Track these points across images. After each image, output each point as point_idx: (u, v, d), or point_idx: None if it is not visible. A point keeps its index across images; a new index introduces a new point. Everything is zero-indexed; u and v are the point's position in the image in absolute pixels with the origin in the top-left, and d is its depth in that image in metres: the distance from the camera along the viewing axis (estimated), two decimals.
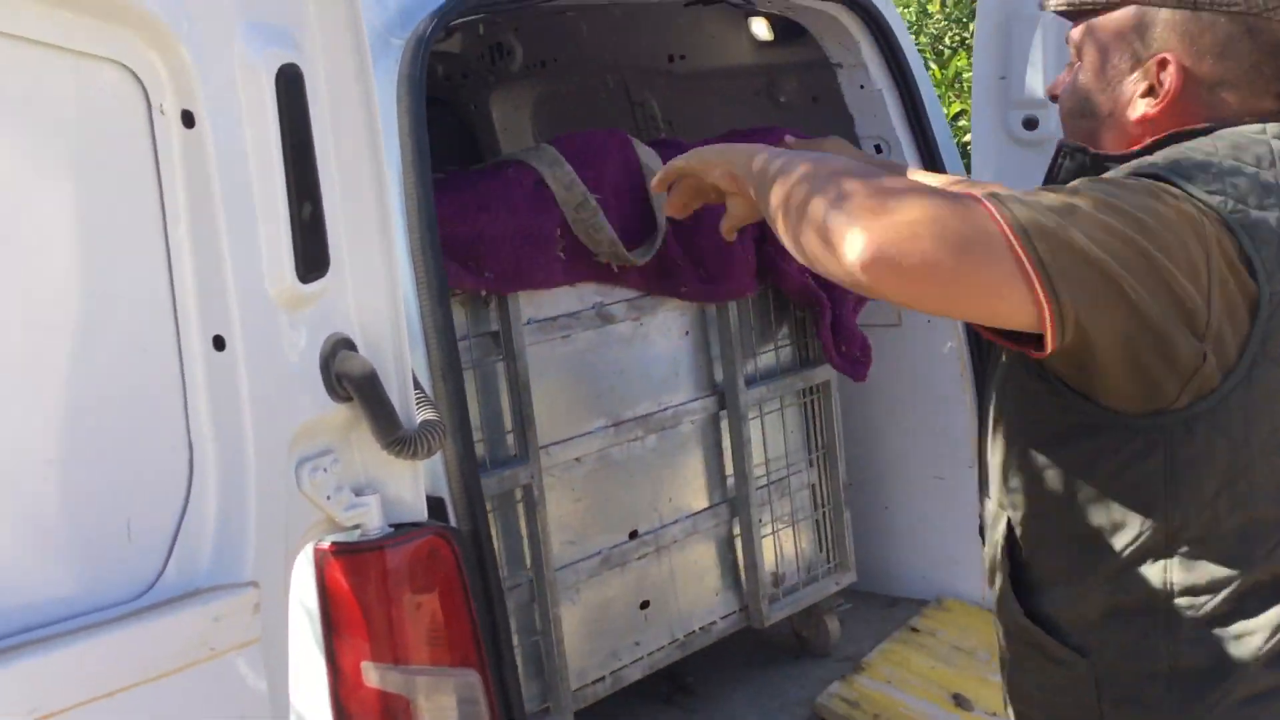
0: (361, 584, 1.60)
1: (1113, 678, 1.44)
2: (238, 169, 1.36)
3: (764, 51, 3.17)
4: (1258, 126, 1.40)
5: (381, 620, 1.62)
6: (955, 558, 3.02)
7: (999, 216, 1.22)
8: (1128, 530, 1.39)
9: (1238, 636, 1.37)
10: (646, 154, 2.49)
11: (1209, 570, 1.37)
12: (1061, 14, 1.53)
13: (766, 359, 2.83)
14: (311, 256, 1.43)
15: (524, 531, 2.34)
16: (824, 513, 2.95)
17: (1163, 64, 1.42)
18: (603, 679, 2.47)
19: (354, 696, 1.63)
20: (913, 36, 4.77)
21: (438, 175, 1.97)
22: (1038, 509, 1.49)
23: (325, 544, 1.61)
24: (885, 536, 3.16)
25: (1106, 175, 1.38)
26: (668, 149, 2.57)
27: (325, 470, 1.52)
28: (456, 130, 3.81)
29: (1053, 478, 1.44)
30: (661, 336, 2.61)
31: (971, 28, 4.50)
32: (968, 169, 3.06)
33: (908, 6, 4.77)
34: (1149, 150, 1.41)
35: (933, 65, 4.64)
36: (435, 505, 1.75)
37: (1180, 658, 1.39)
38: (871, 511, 3.13)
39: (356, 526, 1.57)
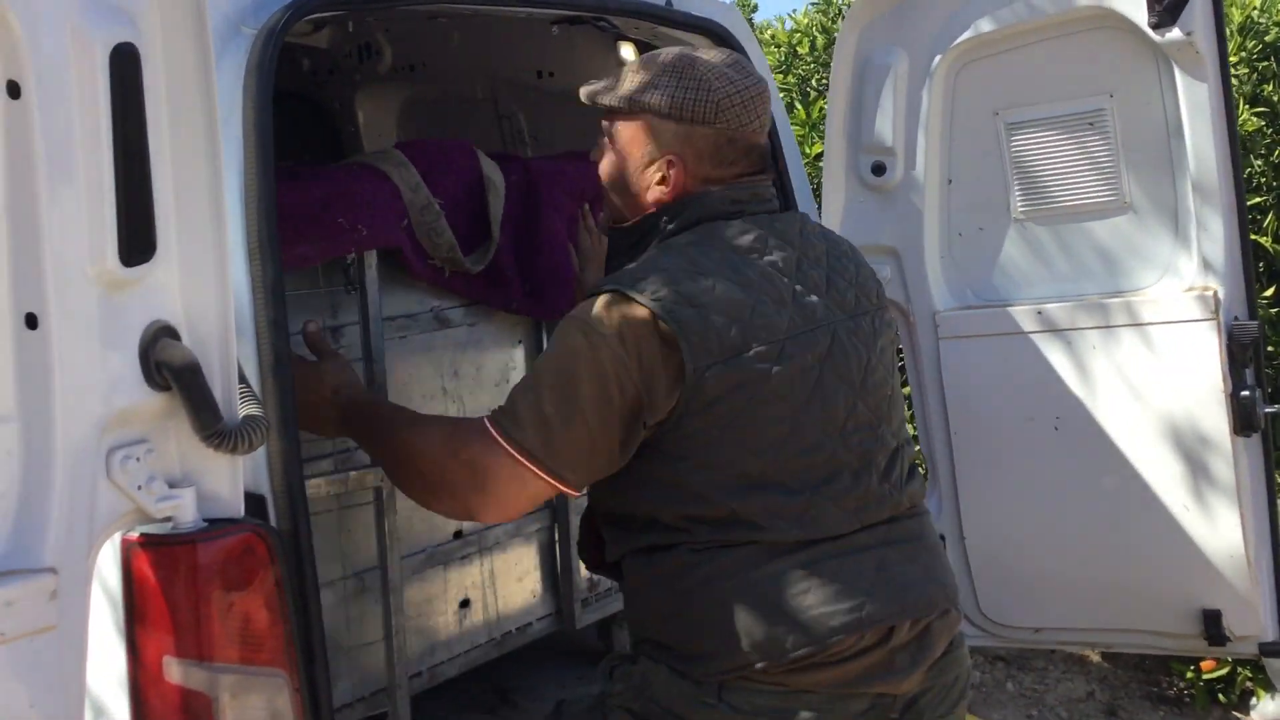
0: (169, 578, 1.56)
1: None
2: (63, 145, 1.33)
3: None
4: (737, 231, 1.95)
5: (188, 616, 1.59)
6: None
7: (508, 447, 1.84)
8: None
9: None
10: (490, 166, 2.51)
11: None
12: (593, 104, 2.04)
13: None
14: (136, 240, 1.41)
15: (371, 529, 2.32)
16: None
17: (671, 162, 1.95)
18: (420, 674, 2.48)
19: (154, 690, 1.59)
20: (780, 77, 4.89)
21: (285, 166, 1.95)
22: None
23: (134, 535, 1.57)
24: None
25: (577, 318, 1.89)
26: (514, 165, 2.60)
27: (138, 460, 1.49)
28: (319, 126, 3.76)
29: None
30: (495, 343, 2.63)
31: None
32: (819, 209, 3.15)
33: (779, 47, 4.88)
34: (646, 225, 1.98)
35: (799, 106, 4.76)
36: (255, 503, 1.72)
37: None
38: None
39: (168, 519, 1.54)
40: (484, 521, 2.21)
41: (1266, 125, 4.23)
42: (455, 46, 3.44)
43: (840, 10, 5.02)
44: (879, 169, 2.99)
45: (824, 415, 1.88)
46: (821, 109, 4.66)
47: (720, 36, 2.84)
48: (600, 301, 1.85)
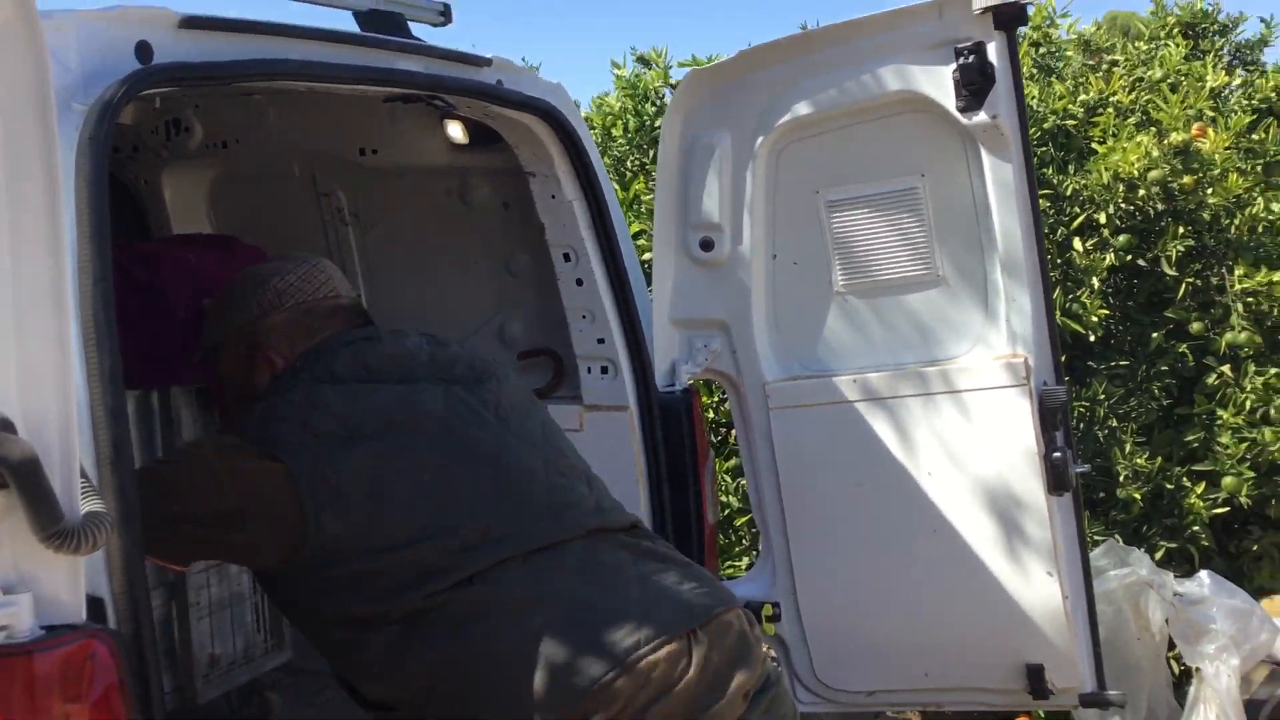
0: (4, 692, 1.43)
1: None
2: None
3: (458, 154, 3.20)
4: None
5: None
6: None
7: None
8: None
9: None
10: None
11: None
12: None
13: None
14: None
15: None
16: (262, 594, 3.07)
17: (269, 358, 2.21)
18: None
19: None
20: None
21: None
22: None
23: None
24: None
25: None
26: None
27: None
28: (123, 206, 3.58)
29: None
30: None
31: (652, 153, 4.73)
32: (648, 282, 3.19)
33: (593, 129, 4.95)
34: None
35: (616, 186, 4.83)
36: (93, 605, 1.59)
37: None
38: None
39: (3, 628, 1.42)
40: None
41: (1049, 206, 4.53)
42: (271, 123, 3.36)
43: (647, 93, 5.14)
44: (707, 245, 3.05)
45: (470, 453, 2.07)
46: (636, 190, 4.75)
47: (550, 114, 2.88)
48: (207, 439, 2.16)
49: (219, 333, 2.29)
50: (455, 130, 3.10)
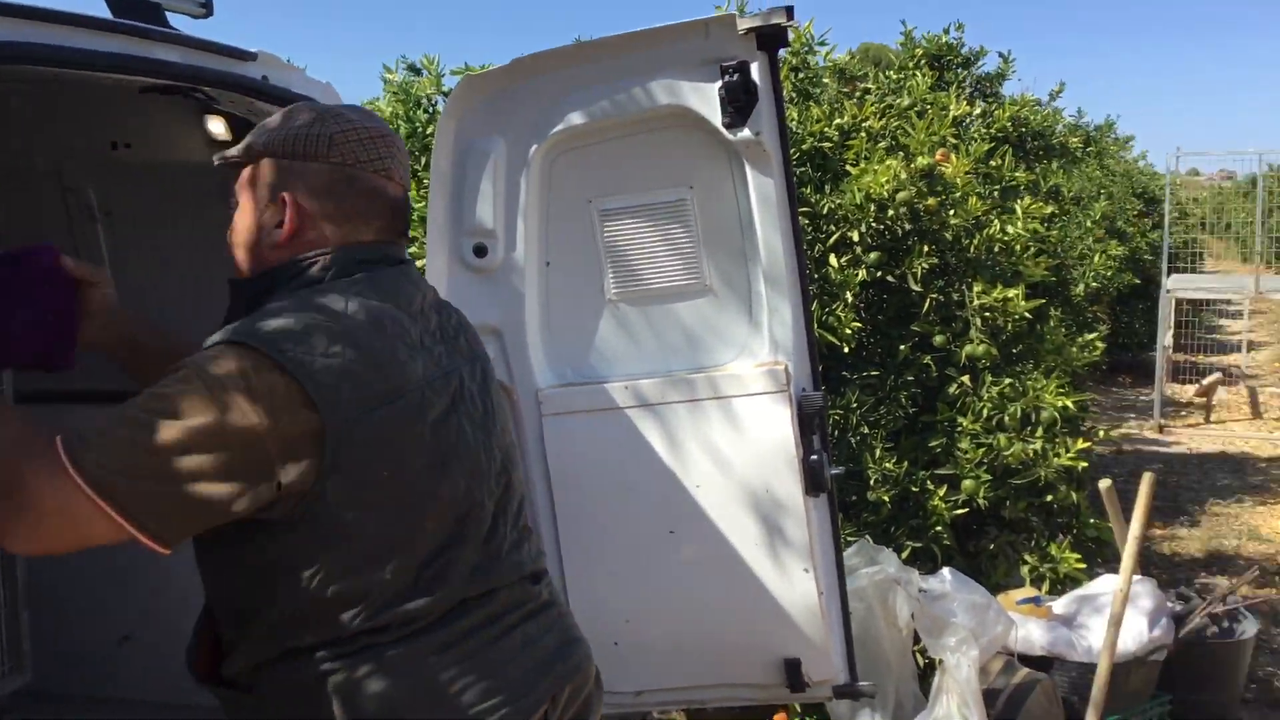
0: None
1: None
2: None
3: (219, 150, 3.08)
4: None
5: None
6: None
7: (75, 475, 1.54)
8: None
9: None
10: None
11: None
12: (224, 165, 1.97)
13: None
14: None
15: None
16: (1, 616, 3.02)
17: (284, 200, 1.85)
18: None
19: None
20: None
21: None
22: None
23: None
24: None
25: (201, 357, 1.67)
26: None
27: None
28: None
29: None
30: None
31: (424, 159, 4.69)
32: None
33: None
34: (270, 278, 1.84)
35: None
36: None
37: None
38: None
39: None
40: (17, 550, 1.71)
41: (807, 223, 4.75)
42: (14, 114, 3.16)
43: (419, 99, 5.10)
44: (480, 251, 3.05)
45: (469, 463, 1.85)
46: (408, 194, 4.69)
47: None
48: (224, 353, 1.65)
49: (258, 147, 1.91)
50: (217, 126, 2.99)
